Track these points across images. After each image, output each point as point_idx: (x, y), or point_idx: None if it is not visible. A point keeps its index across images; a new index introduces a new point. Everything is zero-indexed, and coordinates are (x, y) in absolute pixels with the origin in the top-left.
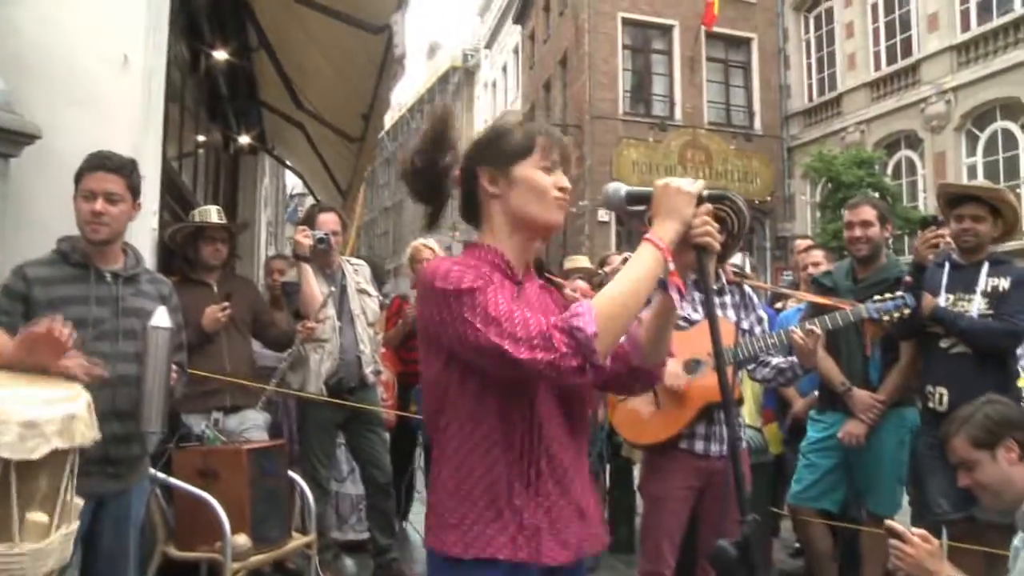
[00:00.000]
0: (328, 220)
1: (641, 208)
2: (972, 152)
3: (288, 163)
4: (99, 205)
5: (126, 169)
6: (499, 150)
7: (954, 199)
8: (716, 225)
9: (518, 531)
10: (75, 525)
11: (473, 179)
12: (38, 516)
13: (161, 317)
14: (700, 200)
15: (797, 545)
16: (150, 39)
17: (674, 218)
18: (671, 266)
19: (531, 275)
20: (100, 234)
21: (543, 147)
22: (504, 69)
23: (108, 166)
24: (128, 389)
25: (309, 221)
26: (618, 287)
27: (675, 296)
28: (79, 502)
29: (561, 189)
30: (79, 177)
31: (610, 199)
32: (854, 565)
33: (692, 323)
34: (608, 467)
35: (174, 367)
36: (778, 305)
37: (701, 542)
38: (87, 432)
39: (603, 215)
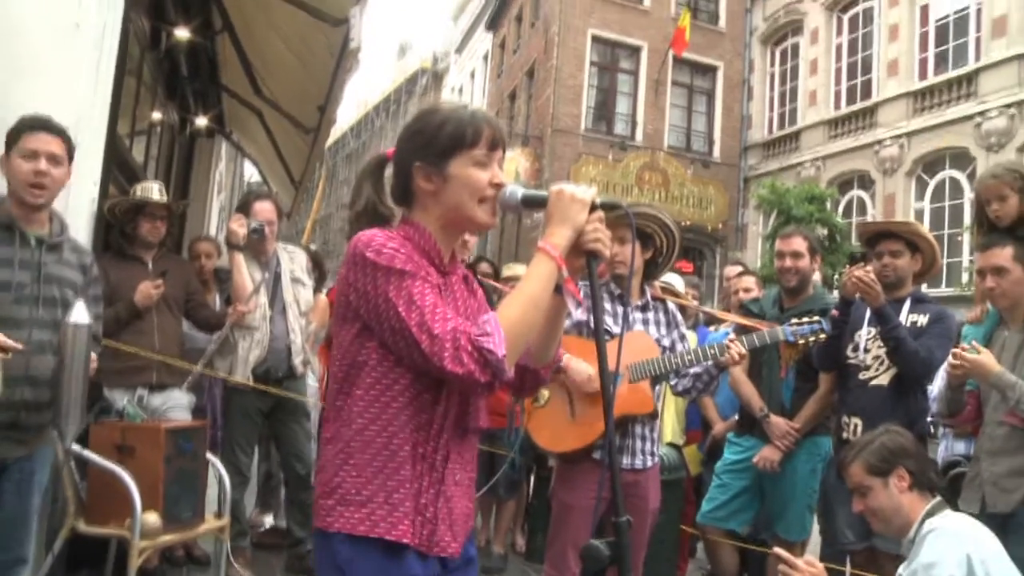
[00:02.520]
0: (264, 209)
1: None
2: (921, 197)
3: (245, 150)
4: (43, 164)
5: (65, 133)
6: (434, 145)
7: (873, 237)
8: (607, 232)
9: (416, 515)
10: None
11: (408, 172)
12: None
13: (80, 313)
14: (593, 207)
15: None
16: (104, 9)
17: (567, 224)
18: (565, 273)
19: (456, 264)
20: (41, 197)
21: (486, 138)
22: (472, 75)
23: (51, 128)
24: (44, 356)
25: (244, 208)
26: (519, 301)
27: (570, 303)
28: None
29: (496, 185)
30: (16, 136)
31: (507, 201)
32: None
33: (611, 336)
34: (532, 477)
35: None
36: (712, 328)
37: None
38: None
39: None
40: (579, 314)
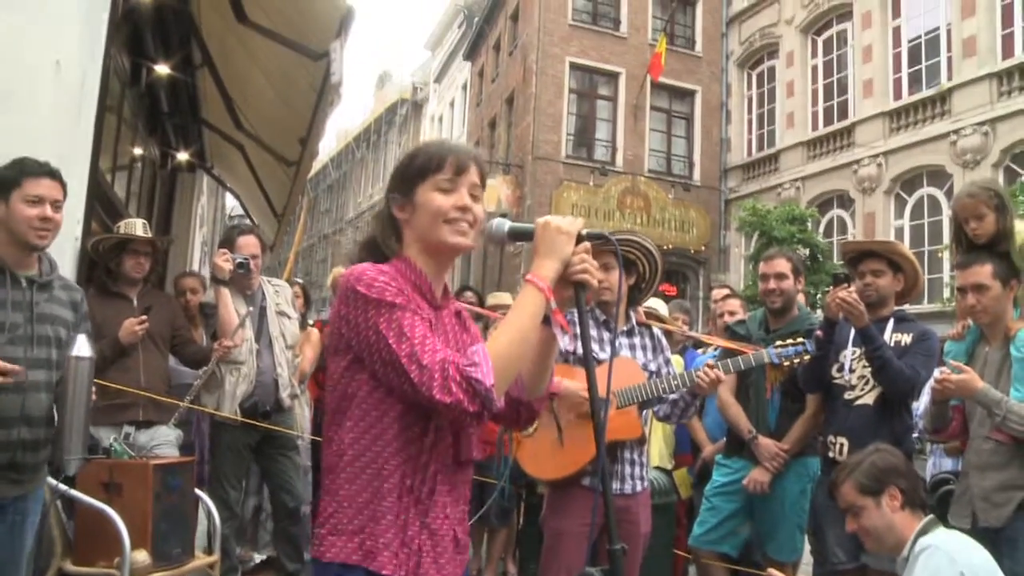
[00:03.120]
0: (248, 243)
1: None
2: (900, 215)
3: (226, 183)
4: (49, 211)
5: (62, 178)
6: (404, 175)
7: (855, 256)
8: (595, 263)
9: (400, 547)
10: None
11: (390, 206)
12: None
13: (82, 346)
14: (579, 239)
15: None
16: (86, 47)
17: (553, 256)
18: (553, 304)
19: (448, 299)
20: (46, 240)
21: (449, 164)
22: (452, 104)
23: (54, 174)
24: (39, 395)
25: (228, 243)
26: (508, 333)
27: (558, 333)
28: None
29: (460, 208)
30: (17, 180)
31: (493, 234)
32: None
33: (599, 362)
34: (522, 504)
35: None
36: (700, 350)
37: None
38: None
39: None
40: (566, 343)
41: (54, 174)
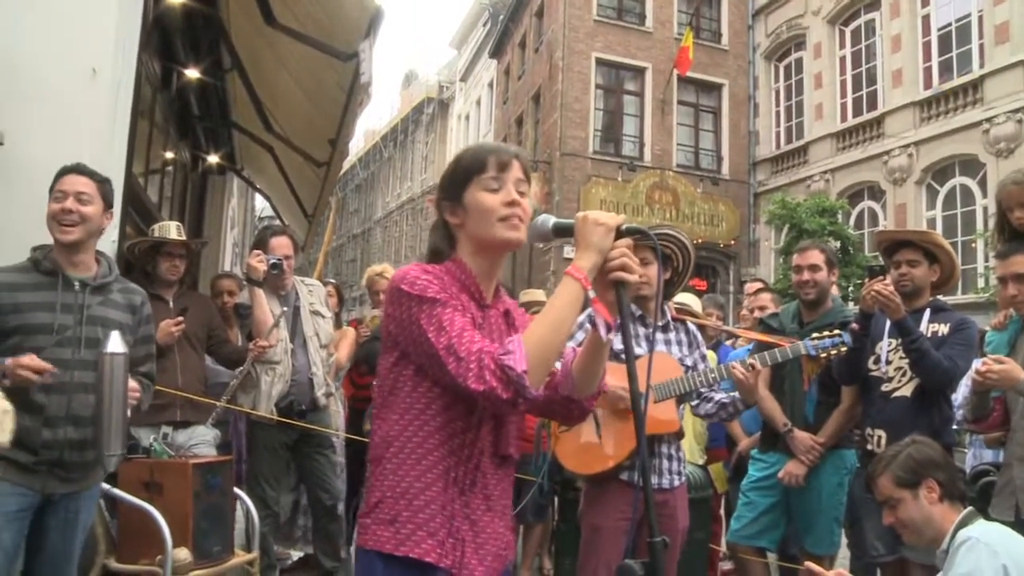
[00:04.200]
0: (281, 244)
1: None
2: (932, 205)
3: (256, 185)
4: (69, 203)
5: (98, 176)
6: (450, 182)
7: (891, 246)
8: (636, 260)
9: (447, 537)
10: None
11: (441, 214)
12: None
13: (115, 343)
14: (619, 234)
15: None
16: (119, 53)
17: (592, 249)
18: (591, 294)
19: (500, 298)
20: (71, 235)
21: (492, 163)
22: (478, 102)
23: (80, 170)
24: (86, 396)
25: (262, 244)
26: (544, 321)
27: (601, 330)
28: None
29: (509, 203)
30: (52, 184)
31: (538, 230)
32: None
33: (636, 357)
34: (557, 500)
35: (142, 378)
36: (728, 342)
37: None
38: (10, 429)
39: (569, 251)
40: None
41: (80, 170)
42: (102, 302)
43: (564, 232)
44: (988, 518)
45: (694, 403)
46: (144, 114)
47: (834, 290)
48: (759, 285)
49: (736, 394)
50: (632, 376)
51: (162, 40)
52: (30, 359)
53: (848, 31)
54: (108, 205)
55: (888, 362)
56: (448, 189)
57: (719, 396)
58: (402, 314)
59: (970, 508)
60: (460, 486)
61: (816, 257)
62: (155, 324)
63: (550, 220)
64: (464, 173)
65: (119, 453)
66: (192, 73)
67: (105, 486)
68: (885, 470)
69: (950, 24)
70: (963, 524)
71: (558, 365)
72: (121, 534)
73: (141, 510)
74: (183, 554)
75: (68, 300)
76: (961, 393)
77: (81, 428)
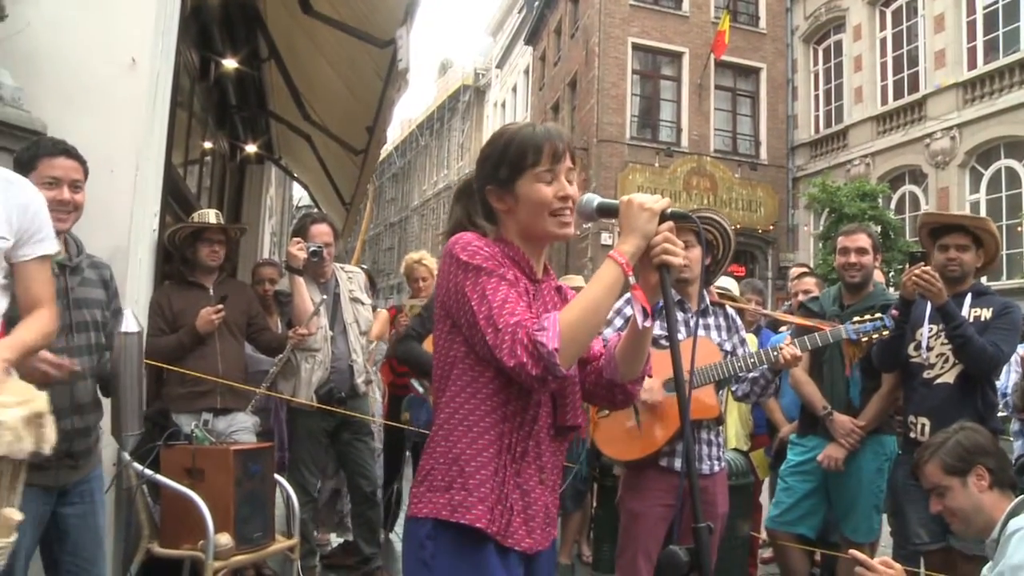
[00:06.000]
0: (321, 231)
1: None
2: (976, 189)
3: (294, 174)
4: (66, 194)
5: (81, 156)
6: (499, 167)
7: (938, 229)
8: (680, 244)
9: (496, 503)
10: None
11: (484, 195)
12: (12, 512)
13: (129, 323)
14: (663, 218)
15: None
16: (159, 44)
17: (636, 233)
18: (632, 280)
19: (549, 275)
20: (66, 223)
21: (547, 154)
22: (514, 89)
23: (70, 152)
24: (86, 382)
25: (302, 232)
26: (580, 302)
27: (639, 315)
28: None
29: (563, 198)
30: (32, 162)
31: (582, 209)
32: None
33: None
34: (595, 486)
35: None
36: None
37: None
38: (51, 437)
39: (606, 238)
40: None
41: (70, 152)
42: (80, 282)
43: (608, 213)
44: None
45: (732, 387)
46: (183, 104)
47: (879, 276)
48: (803, 269)
49: (765, 365)
50: (676, 359)
51: (200, 31)
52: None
53: (889, 12)
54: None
55: (929, 348)
56: (496, 175)
57: (751, 373)
58: (451, 280)
59: (1022, 496)
60: (513, 454)
61: (864, 240)
62: (196, 312)
63: (595, 200)
64: (517, 161)
65: (136, 432)
66: (230, 63)
67: (148, 472)
68: (933, 457)
69: (996, 2)
70: (1014, 513)
71: (598, 347)
72: (163, 519)
73: (183, 496)
74: (225, 539)
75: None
76: (1011, 379)
77: (85, 416)
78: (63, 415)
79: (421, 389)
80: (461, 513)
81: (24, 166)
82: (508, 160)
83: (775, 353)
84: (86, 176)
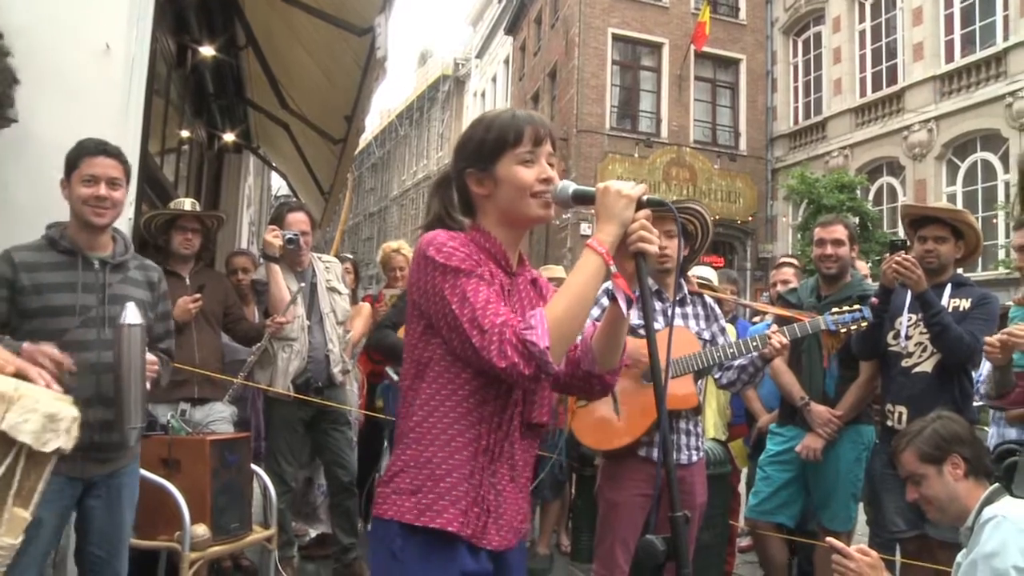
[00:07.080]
0: (297, 219)
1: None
2: (952, 181)
3: (273, 163)
4: (103, 190)
5: (122, 156)
6: (480, 149)
7: (918, 220)
8: (654, 231)
9: (471, 505)
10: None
11: (463, 181)
12: (22, 512)
13: (132, 314)
14: (640, 205)
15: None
16: (133, 30)
17: (613, 221)
18: (613, 268)
19: (525, 267)
20: (105, 218)
21: (528, 136)
22: (494, 79)
23: (109, 151)
24: (112, 375)
25: (278, 220)
26: (565, 296)
27: (622, 304)
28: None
29: (544, 180)
30: (75, 162)
31: (558, 196)
32: None
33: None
34: (574, 476)
35: (161, 354)
36: (755, 319)
37: None
38: (76, 436)
39: (585, 228)
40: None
41: (110, 151)
42: (122, 280)
43: (584, 200)
44: (1014, 496)
45: (716, 375)
46: (159, 92)
47: (861, 267)
48: (788, 260)
49: (753, 353)
50: (652, 349)
51: (176, 17)
52: (51, 349)
53: (868, 4)
54: (128, 182)
55: (908, 337)
56: (475, 157)
57: (738, 360)
58: (427, 282)
59: (996, 485)
60: (490, 455)
61: (840, 232)
62: (172, 301)
63: (570, 187)
64: (498, 143)
65: (139, 426)
66: (207, 50)
67: None
68: (909, 445)
69: None
70: (989, 501)
71: (578, 339)
72: (140, 511)
73: (159, 487)
74: (201, 530)
75: (89, 280)
76: (984, 368)
77: (109, 408)
78: (87, 405)
79: (396, 377)
80: (430, 517)
81: (70, 166)
82: (489, 142)
83: (756, 342)
84: (128, 175)
